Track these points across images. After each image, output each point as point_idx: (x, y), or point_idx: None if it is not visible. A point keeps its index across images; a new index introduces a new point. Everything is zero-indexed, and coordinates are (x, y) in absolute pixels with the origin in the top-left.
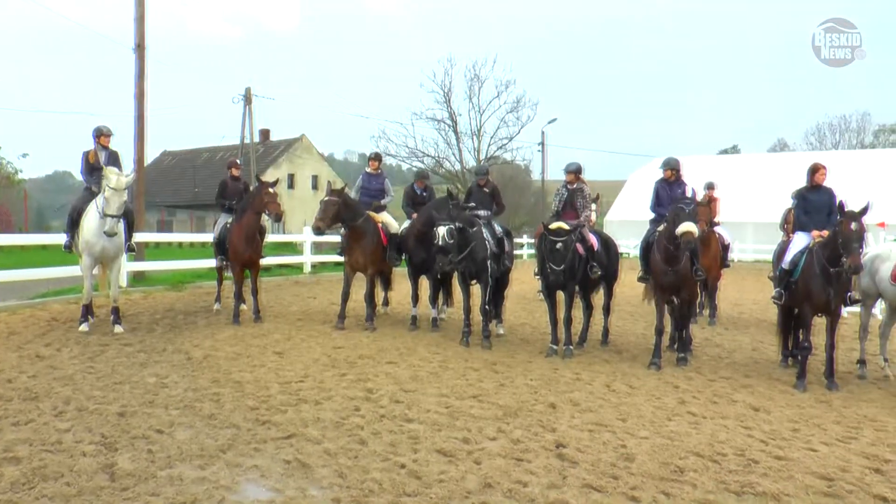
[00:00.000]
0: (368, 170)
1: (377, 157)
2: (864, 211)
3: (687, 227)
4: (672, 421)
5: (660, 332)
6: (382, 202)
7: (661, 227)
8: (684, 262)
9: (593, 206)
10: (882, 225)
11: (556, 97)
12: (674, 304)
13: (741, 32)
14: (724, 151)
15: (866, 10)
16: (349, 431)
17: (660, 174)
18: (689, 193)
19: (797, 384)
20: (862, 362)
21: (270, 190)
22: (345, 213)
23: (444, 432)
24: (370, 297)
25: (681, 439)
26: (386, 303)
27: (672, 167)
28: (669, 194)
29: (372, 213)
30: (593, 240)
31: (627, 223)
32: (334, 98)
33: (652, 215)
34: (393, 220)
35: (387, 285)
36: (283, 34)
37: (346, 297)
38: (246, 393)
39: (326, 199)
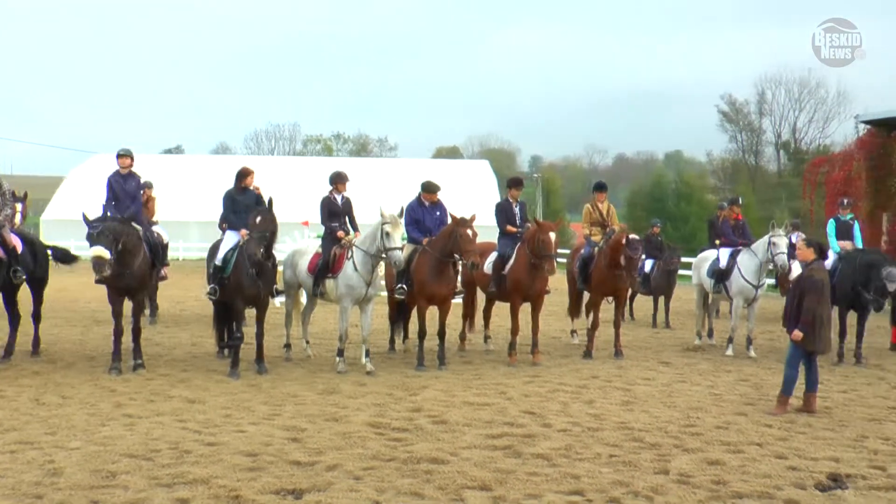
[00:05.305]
0: None
1: None
2: (270, 206)
3: (96, 251)
4: (106, 426)
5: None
6: None
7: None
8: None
9: (18, 206)
10: (306, 223)
11: None
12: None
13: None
14: (169, 151)
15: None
16: None
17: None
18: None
19: (231, 373)
20: (287, 346)
21: None
22: None
23: None
24: None
25: (114, 443)
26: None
27: (128, 155)
28: (124, 189)
29: None
30: (16, 241)
31: (67, 223)
32: None
33: None
34: None
35: None
36: None
37: None
38: None
39: None
